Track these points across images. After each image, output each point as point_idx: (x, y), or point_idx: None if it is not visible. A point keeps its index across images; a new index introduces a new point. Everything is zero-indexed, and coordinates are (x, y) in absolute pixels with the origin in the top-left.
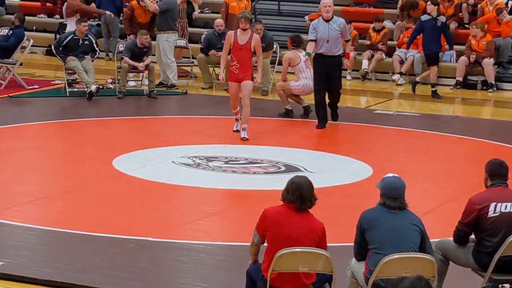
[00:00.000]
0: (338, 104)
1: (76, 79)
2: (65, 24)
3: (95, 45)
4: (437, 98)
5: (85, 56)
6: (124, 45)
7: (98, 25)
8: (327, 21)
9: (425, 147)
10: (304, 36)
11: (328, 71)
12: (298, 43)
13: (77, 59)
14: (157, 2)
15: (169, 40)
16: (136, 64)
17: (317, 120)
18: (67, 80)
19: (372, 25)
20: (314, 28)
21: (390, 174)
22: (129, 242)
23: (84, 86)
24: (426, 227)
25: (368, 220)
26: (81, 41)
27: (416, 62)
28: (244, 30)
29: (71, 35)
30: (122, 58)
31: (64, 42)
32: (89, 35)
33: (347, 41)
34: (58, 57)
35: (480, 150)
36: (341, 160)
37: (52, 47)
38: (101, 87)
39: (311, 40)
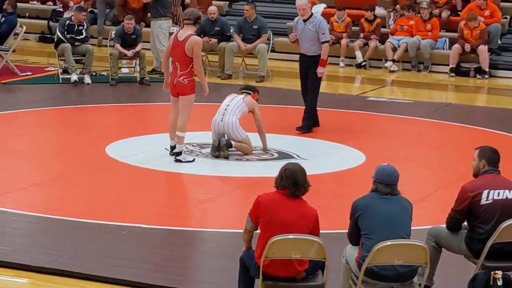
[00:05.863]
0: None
1: None
2: (58, 11)
3: (84, 30)
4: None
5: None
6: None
7: (92, 11)
8: (304, 20)
9: (418, 134)
10: None
11: (306, 72)
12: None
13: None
14: None
15: (162, 27)
16: (125, 51)
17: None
18: (64, 67)
19: (365, 15)
20: (294, 27)
21: (384, 164)
22: (121, 229)
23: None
24: (418, 214)
25: (360, 207)
26: (76, 27)
27: (410, 47)
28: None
29: (68, 21)
30: (114, 45)
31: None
32: (84, 22)
33: (323, 43)
34: (66, 40)
35: (472, 137)
36: (334, 147)
37: (60, 35)
38: (94, 73)
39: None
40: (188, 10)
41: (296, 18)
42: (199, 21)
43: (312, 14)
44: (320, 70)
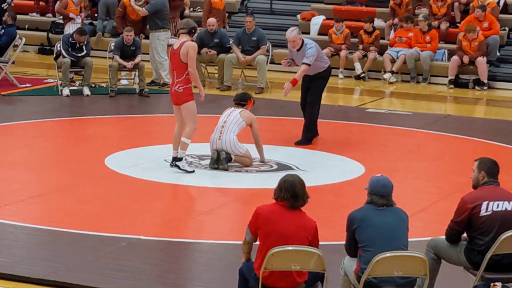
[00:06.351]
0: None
1: (72, 77)
2: (58, 23)
3: (84, 46)
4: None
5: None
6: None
7: (91, 23)
8: (297, 50)
9: (417, 145)
10: None
11: (306, 86)
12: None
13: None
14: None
15: (160, 39)
16: (124, 63)
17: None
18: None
19: (364, 27)
20: (289, 52)
21: (378, 175)
22: (121, 241)
23: (75, 84)
24: (417, 225)
25: (357, 220)
26: (77, 44)
27: (408, 59)
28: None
29: (70, 38)
30: (113, 57)
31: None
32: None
33: (303, 63)
34: (70, 57)
35: (471, 149)
36: (333, 158)
37: (63, 52)
38: (93, 85)
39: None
40: (184, 20)
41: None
42: (193, 31)
43: (303, 42)
44: (287, 85)
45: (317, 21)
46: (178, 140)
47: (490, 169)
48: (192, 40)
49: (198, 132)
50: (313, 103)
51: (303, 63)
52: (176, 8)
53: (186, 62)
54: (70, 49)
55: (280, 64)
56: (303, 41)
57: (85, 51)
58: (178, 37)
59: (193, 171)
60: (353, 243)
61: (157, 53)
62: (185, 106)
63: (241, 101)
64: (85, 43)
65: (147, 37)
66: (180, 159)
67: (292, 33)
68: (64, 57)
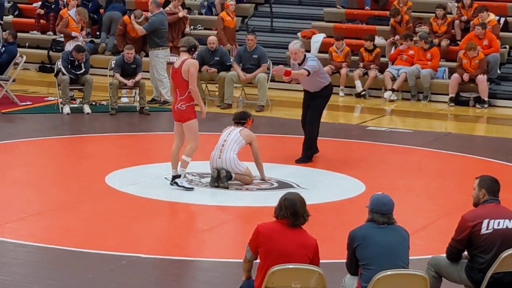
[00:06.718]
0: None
1: (72, 95)
2: (58, 41)
3: (83, 64)
4: None
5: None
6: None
7: (92, 41)
8: (299, 64)
9: (417, 163)
10: None
11: (307, 104)
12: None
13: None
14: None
15: (159, 56)
16: (125, 81)
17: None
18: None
19: (364, 45)
20: (291, 67)
21: (379, 193)
22: (121, 259)
23: (76, 102)
24: (418, 243)
25: (358, 238)
26: (76, 62)
27: (409, 76)
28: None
29: (69, 55)
30: (113, 75)
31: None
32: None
33: (303, 68)
34: (69, 75)
35: (472, 166)
36: (333, 176)
37: (63, 69)
38: (93, 103)
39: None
40: (184, 38)
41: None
42: (193, 49)
43: (305, 57)
44: (281, 67)
45: (318, 39)
46: (177, 158)
47: (491, 187)
48: (193, 58)
49: (198, 150)
50: (312, 121)
51: (303, 68)
52: (175, 26)
53: (187, 80)
54: (69, 67)
55: (280, 82)
56: (305, 55)
57: (84, 69)
58: (179, 55)
59: (192, 189)
60: (354, 261)
61: (157, 71)
62: (187, 124)
63: (241, 119)
64: (84, 60)
65: (147, 55)
66: (179, 176)
67: (295, 45)
68: (63, 74)
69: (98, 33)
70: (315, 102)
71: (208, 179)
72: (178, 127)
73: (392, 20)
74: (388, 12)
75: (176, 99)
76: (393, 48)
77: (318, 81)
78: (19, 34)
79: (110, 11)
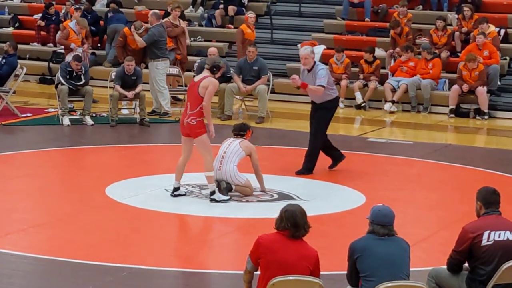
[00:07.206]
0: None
1: (73, 107)
2: (59, 53)
3: (82, 75)
4: None
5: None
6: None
7: (93, 53)
8: (308, 70)
9: (417, 175)
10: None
11: (312, 115)
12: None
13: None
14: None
15: (159, 68)
16: (125, 92)
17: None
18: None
19: (364, 57)
20: (301, 74)
21: (379, 204)
22: (121, 270)
23: (76, 114)
24: (419, 255)
25: (358, 250)
26: (75, 73)
27: (410, 87)
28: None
29: (68, 66)
30: (114, 86)
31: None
32: (82, 67)
33: (319, 85)
34: (68, 85)
35: (472, 178)
36: (334, 188)
37: (61, 80)
38: (94, 115)
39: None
40: (212, 57)
41: (301, 69)
42: (215, 69)
43: (315, 63)
44: (298, 78)
45: (318, 50)
46: (182, 170)
47: (486, 198)
48: (215, 78)
49: (198, 162)
50: (315, 133)
51: (318, 85)
52: (175, 37)
53: (203, 96)
54: (68, 77)
55: (281, 93)
56: (315, 62)
57: (83, 80)
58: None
59: (229, 198)
60: (354, 273)
61: (156, 83)
62: (199, 139)
63: (240, 131)
64: (83, 72)
65: (148, 67)
66: (214, 192)
67: (305, 50)
68: (62, 84)
69: (99, 44)
70: (318, 114)
71: (208, 191)
72: (187, 143)
73: (392, 31)
74: (388, 24)
75: (186, 113)
76: (392, 60)
77: (324, 93)
78: (19, 46)
79: (114, 23)
